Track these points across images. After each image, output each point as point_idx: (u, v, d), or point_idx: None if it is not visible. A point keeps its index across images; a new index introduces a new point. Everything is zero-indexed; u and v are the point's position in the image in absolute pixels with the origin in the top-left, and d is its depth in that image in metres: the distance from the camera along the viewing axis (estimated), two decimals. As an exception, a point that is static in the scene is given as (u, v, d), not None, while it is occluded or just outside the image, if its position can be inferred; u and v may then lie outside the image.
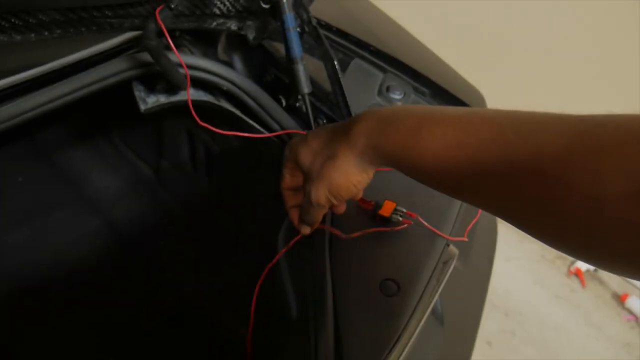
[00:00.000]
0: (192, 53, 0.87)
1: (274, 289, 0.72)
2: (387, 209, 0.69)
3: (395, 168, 0.54)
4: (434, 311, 0.81)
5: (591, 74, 1.95)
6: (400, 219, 0.69)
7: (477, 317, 1.04)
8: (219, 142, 0.98)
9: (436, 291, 0.68)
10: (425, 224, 0.69)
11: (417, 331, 0.62)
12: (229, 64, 0.92)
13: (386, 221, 0.70)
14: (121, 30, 0.71)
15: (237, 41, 0.92)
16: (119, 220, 1.24)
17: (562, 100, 2.03)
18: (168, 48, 0.83)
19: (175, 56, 0.74)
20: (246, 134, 0.75)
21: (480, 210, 0.84)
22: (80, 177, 1.29)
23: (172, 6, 0.65)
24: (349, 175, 0.57)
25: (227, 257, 1.11)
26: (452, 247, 0.77)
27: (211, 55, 0.92)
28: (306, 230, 0.67)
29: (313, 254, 0.66)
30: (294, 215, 0.69)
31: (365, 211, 0.71)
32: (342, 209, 0.68)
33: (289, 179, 0.67)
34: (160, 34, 0.68)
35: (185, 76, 0.74)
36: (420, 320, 0.63)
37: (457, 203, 0.76)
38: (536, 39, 1.96)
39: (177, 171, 1.16)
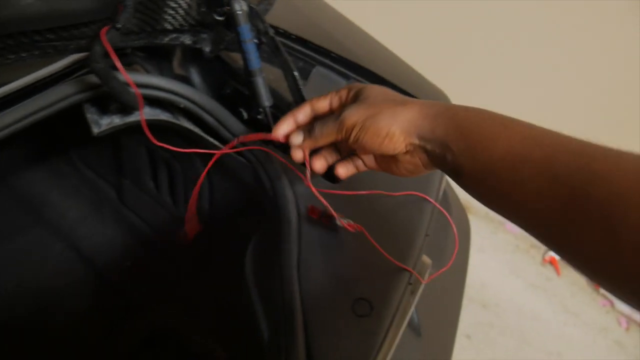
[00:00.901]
0: (145, 70, 0.84)
1: (246, 312, 0.70)
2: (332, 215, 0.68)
3: (448, 162, 0.51)
4: (410, 323, 0.79)
5: (556, 78, 1.97)
6: (345, 222, 0.67)
7: (455, 317, 1.03)
8: (180, 160, 0.95)
9: (410, 307, 0.66)
10: (370, 238, 0.67)
11: (392, 351, 0.61)
12: (186, 79, 0.89)
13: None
14: (66, 52, 0.67)
15: (193, 54, 0.89)
16: (83, 242, 1.19)
17: (528, 101, 2.05)
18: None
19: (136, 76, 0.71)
20: (203, 151, 0.72)
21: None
22: (40, 200, 1.24)
23: (118, 26, 0.62)
24: (395, 124, 0.53)
25: (196, 276, 1.08)
26: (425, 258, 0.75)
27: (167, 70, 0.89)
28: (298, 139, 0.62)
29: (281, 274, 0.64)
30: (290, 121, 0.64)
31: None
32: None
33: (322, 101, 0.63)
34: (107, 54, 0.65)
35: (138, 96, 0.71)
36: (395, 339, 0.61)
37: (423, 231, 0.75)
38: (502, 38, 1.97)
39: (139, 190, 1.12)
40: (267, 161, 0.74)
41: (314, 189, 0.63)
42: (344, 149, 0.66)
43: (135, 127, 0.76)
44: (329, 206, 0.66)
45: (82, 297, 1.14)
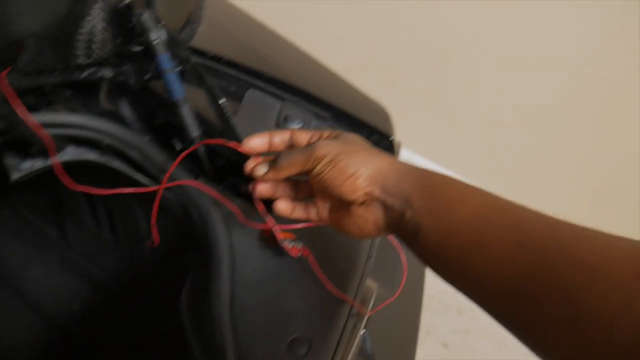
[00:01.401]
0: (69, 108, 0.80)
1: (185, 352, 0.66)
2: (284, 235, 0.65)
3: (404, 226, 0.50)
4: (362, 352, 0.76)
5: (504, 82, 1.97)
6: (291, 246, 0.64)
7: (413, 337, 1.00)
8: (116, 199, 0.91)
9: (353, 340, 0.63)
10: (318, 268, 0.64)
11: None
12: (115, 113, 0.85)
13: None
14: (-32, 98, 0.63)
15: (120, 87, 0.85)
16: (28, 287, 1.14)
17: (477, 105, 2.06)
18: (35, 107, 0.75)
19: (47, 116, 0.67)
20: (128, 190, 0.68)
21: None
22: (-20, 246, 1.18)
23: (19, 68, 0.58)
24: (364, 167, 0.52)
25: (143, 315, 1.03)
26: (369, 283, 0.72)
27: (94, 106, 0.85)
28: (261, 170, 0.59)
29: (211, 315, 0.60)
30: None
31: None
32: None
33: (304, 133, 0.61)
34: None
35: (53, 137, 0.67)
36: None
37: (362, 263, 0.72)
38: (447, 46, 1.96)
39: (81, 230, 1.07)
40: (198, 196, 0.70)
41: (250, 224, 0.62)
42: (300, 191, 0.63)
43: (68, 167, 0.72)
44: (276, 229, 0.63)
45: (31, 344, 1.08)
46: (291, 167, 0.57)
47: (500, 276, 0.41)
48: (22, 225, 1.18)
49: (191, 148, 0.70)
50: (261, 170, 0.59)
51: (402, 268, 0.84)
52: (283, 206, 0.61)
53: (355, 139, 0.58)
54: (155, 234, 0.69)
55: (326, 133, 0.61)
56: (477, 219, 0.44)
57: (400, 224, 0.50)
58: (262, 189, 0.62)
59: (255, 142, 0.62)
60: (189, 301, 0.68)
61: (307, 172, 0.56)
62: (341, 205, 0.57)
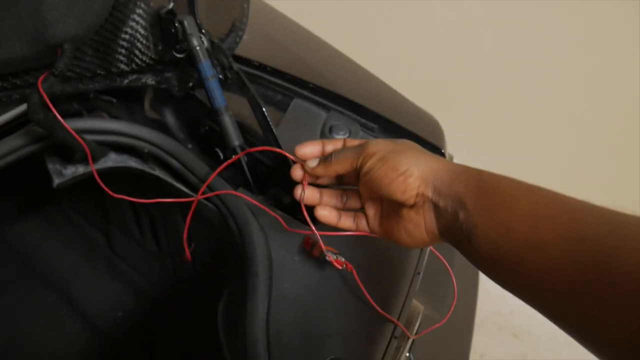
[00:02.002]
0: (111, 115, 0.80)
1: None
2: (328, 248, 0.61)
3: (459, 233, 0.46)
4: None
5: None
6: (334, 258, 0.60)
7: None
8: (159, 208, 0.90)
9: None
10: (360, 284, 0.60)
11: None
12: (159, 122, 0.85)
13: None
14: (12, 103, 0.63)
15: (165, 94, 0.85)
16: (75, 294, 1.15)
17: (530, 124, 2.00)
18: (78, 113, 0.76)
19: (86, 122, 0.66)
20: (166, 200, 0.67)
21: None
22: (32, 251, 1.21)
23: (56, 72, 0.57)
24: (416, 166, 0.49)
25: (184, 325, 1.02)
26: (415, 303, 0.68)
27: (139, 114, 0.84)
28: (313, 162, 0.57)
29: (245, 334, 0.57)
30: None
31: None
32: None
33: (356, 141, 0.58)
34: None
35: (95, 144, 0.66)
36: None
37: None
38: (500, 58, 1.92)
39: (126, 238, 1.07)
40: (237, 207, 0.68)
41: (294, 230, 0.58)
42: (349, 201, 0.60)
43: (111, 174, 0.72)
44: (320, 238, 0.59)
45: (74, 351, 1.09)
46: (342, 162, 0.54)
47: (560, 276, 0.37)
48: (72, 231, 1.20)
49: (233, 159, 0.68)
50: (312, 163, 0.57)
51: (453, 290, 0.79)
52: (326, 212, 0.58)
53: (407, 141, 0.55)
54: (187, 250, 0.67)
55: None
56: (533, 217, 0.41)
57: (453, 227, 0.47)
58: (307, 194, 0.58)
59: (308, 150, 0.58)
60: (225, 315, 0.66)
61: (357, 171, 0.53)
62: (391, 210, 0.54)
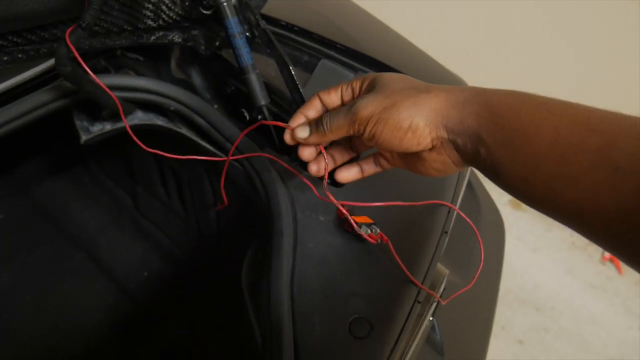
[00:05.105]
0: (138, 73, 0.79)
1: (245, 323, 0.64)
2: (360, 219, 0.60)
3: (485, 160, 0.43)
4: (430, 340, 0.71)
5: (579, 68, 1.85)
6: (370, 231, 0.59)
7: (487, 330, 0.93)
8: (185, 167, 0.90)
9: (420, 326, 0.58)
10: (396, 256, 0.59)
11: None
12: (186, 81, 0.84)
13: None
14: (39, 57, 0.63)
15: (192, 54, 0.84)
16: (102, 253, 1.17)
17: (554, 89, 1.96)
18: (105, 70, 0.75)
19: (113, 78, 0.66)
20: (198, 157, 0.66)
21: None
22: (60, 211, 1.23)
23: (84, 25, 0.56)
24: (419, 114, 0.45)
25: (209, 286, 1.03)
26: (440, 267, 0.67)
27: (165, 73, 0.84)
28: (304, 133, 0.54)
29: (269, 292, 0.57)
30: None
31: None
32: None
33: (332, 93, 0.55)
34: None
35: (121, 100, 0.66)
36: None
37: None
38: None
39: (152, 198, 1.08)
40: (263, 167, 0.67)
41: (326, 198, 0.56)
42: (360, 146, 0.58)
43: (136, 133, 0.72)
44: (349, 215, 0.58)
45: (101, 309, 1.12)
46: (336, 132, 0.51)
47: (599, 207, 0.35)
48: (99, 191, 1.21)
49: (256, 124, 0.67)
50: (302, 132, 0.54)
51: (478, 256, 0.77)
52: (347, 173, 0.56)
53: (394, 80, 0.50)
54: (224, 196, 0.66)
55: (356, 82, 0.54)
56: (559, 146, 0.38)
57: (478, 162, 0.44)
58: (307, 154, 0.56)
59: (297, 123, 0.56)
60: (249, 274, 0.66)
61: (358, 136, 0.51)
62: (410, 154, 0.51)
